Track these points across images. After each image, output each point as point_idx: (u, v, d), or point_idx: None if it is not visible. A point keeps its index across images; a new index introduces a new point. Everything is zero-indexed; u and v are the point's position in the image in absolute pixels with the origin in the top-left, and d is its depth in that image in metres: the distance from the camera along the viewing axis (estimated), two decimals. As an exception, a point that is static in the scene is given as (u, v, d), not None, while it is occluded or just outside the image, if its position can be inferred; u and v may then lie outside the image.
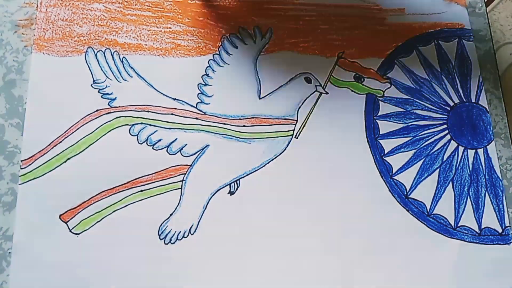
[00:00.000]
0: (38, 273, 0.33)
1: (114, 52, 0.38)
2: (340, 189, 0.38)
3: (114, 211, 0.35)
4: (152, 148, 0.37)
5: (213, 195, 0.36)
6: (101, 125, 0.36)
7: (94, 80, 0.37)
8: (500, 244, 0.39)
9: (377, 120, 0.41)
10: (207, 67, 0.39)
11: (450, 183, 0.40)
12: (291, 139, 0.39)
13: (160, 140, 0.37)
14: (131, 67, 0.38)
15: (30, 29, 0.38)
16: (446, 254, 0.38)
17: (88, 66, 0.38)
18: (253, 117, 0.39)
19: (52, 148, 0.35)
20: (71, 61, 0.37)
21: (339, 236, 0.37)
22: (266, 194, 0.37)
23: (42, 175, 0.35)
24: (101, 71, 0.38)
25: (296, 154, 0.38)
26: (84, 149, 0.36)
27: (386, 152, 0.40)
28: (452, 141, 0.41)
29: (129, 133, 0.37)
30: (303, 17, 0.42)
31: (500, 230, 0.39)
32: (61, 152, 0.35)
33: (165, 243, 0.35)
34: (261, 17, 0.42)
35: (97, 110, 0.37)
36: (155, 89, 0.38)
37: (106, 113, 0.37)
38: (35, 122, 0.36)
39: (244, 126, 0.38)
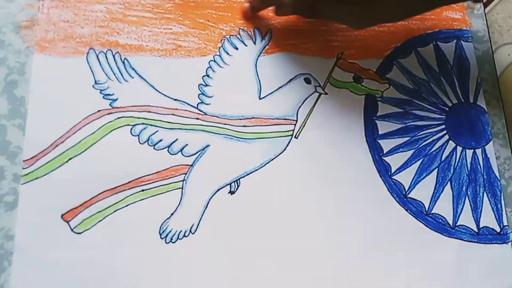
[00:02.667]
0: (40, 272, 0.33)
1: (115, 53, 0.38)
2: (339, 188, 0.38)
3: (115, 210, 0.35)
4: (153, 148, 0.37)
5: (214, 194, 0.37)
6: (103, 126, 0.36)
7: (95, 81, 0.38)
8: (498, 243, 0.39)
9: (376, 121, 0.41)
10: (208, 68, 0.40)
11: (449, 183, 0.40)
12: (291, 139, 0.39)
13: (161, 140, 0.37)
14: (132, 68, 0.38)
15: (32, 30, 0.38)
16: (444, 253, 0.38)
17: (90, 67, 0.38)
18: (253, 117, 0.39)
19: (54, 148, 0.35)
20: (72, 62, 0.38)
21: (338, 235, 0.37)
22: (266, 193, 0.37)
23: (44, 175, 0.35)
24: (103, 72, 0.38)
25: (296, 154, 0.39)
26: (86, 149, 0.36)
27: (385, 152, 0.40)
28: (450, 141, 0.42)
29: (131, 133, 0.37)
30: (302, 19, 0.42)
31: (498, 230, 0.40)
32: (63, 152, 0.35)
33: (166, 243, 0.35)
34: (261, 18, 0.42)
35: (98, 111, 0.37)
36: (156, 89, 0.38)
37: (108, 114, 0.37)
38: (37, 123, 0.36)
39: (244, 126, 0.39)
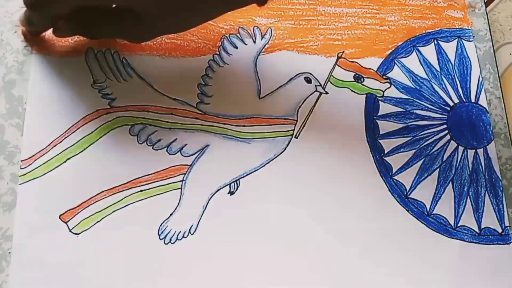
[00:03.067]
0: (38, 273, 0.33)
1: (114, 53, 0.38)
2: (340, 189, 0.38)
3: (114, 211, 0.35)
4: (152, 148, 0.37)
5: (213, 195, 0.36)
6: (101, 125, 0.36)
7: (94, 81, 0.37)
8: (500, 244, 0.39)
9: (377, 120, 0.41)
10: (207, 67, 0.39)
11: (450, 183, 0.40)
12: (291, 139, 0.39)
13: (160, 140, 0.37)
14: (131, 68, 0.38)
15: (30, 29, 0.38)
16: (446, 254, 0.38)
17: (88, 67, 0.38)
18: (253, 117, 0.39)
19: (52, 148, 0.35)
20: (71, 62, 0.37)
21: (338, 236, 0.37)
22: (266, 194, 0.37)
23: (42, 175, 0.35)
24: (101, 72, 0.38)
25: (296, 154, 0.38)
26: (84, 149, 0.36)
27: (386, 152, 0.40)
28: (451, 141, 0.41)
29: (129, 133, 0.37)
30: (303, 17, 0.42)
31: (500, 230, 0.39)
32: (61, 152, 0.35)
33: (165, 243, 0.35)
34: (260, 17, 0.42)
35: (97, 110, 0.37)
36: (155, 89, 0.38)
37: (106, 113, 0.37)
38: (35, 122, 0.36)
39: (244, 126, 0.38)
